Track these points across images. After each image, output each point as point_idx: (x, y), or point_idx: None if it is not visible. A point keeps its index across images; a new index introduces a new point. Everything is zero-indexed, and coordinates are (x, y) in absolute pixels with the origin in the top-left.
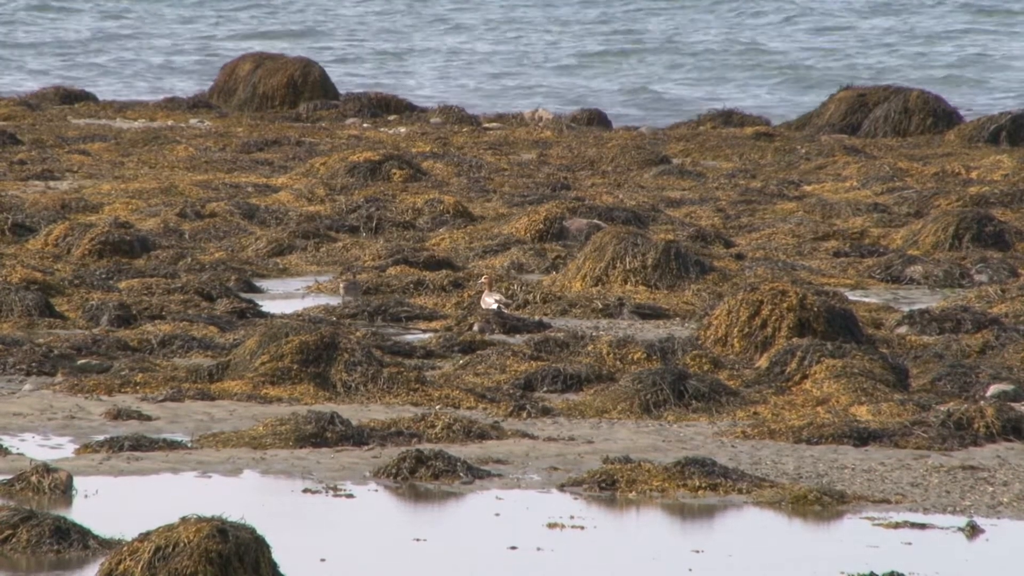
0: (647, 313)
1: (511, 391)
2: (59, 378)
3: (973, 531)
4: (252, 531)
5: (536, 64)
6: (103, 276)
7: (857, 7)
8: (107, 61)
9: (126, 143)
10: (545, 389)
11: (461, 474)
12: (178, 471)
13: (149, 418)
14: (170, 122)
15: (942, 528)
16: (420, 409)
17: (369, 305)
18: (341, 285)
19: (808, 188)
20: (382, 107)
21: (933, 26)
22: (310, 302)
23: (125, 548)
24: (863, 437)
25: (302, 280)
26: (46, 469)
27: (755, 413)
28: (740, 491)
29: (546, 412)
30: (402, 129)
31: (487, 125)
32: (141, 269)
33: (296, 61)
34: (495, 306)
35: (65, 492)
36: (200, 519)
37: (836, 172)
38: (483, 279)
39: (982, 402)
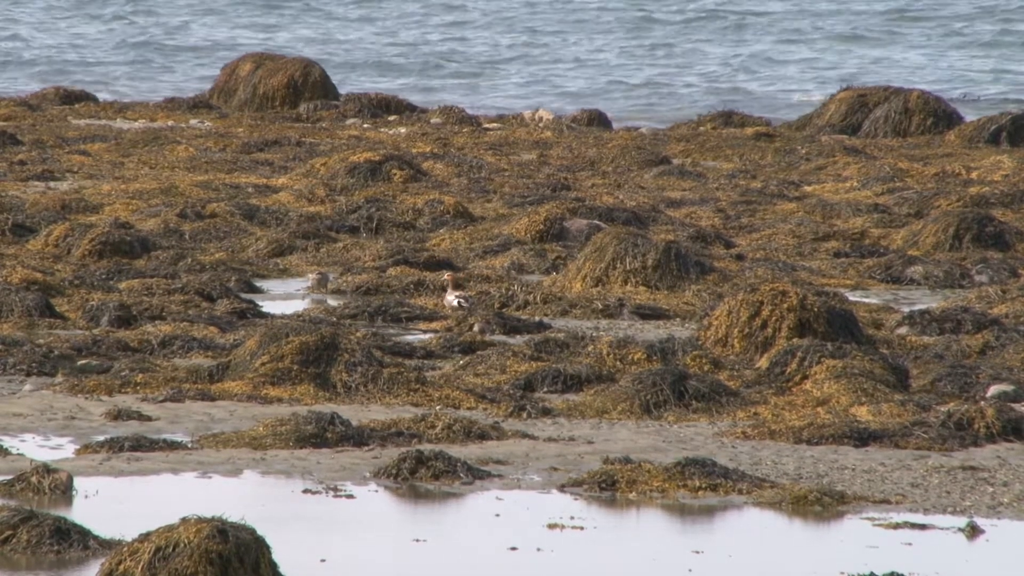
0: (647, 314)
1: (511, 391)
2: (59, 379)
3: (973, 531)
4: (252, 532)
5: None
6: (103, 276)
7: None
8: (107, 60)
9: (126, 143)
10: (545, 389)
11: (461, 475)
12: (178, 471)
13: (149, 418)
14: (170, 122)
15: (942, 528)
16: (420, 409)
17: (369, 305)
18: (313, 277)
19: (808, 189)
20: (382, 107)
21: None
22: (310, 302)
23: (125, 548)
24: (863, 437)
25: (302, 281)
26: (46, 469)
27: (755, 414)
28: (740, 492)
29: (546, 412)
30: (402, 129)
31: (487, 125)
32: (141, 269)
33: (296, 61)
34: (455, 302)
35: (65, 492)
36: (200, 519)
37: (836, 172)
38: (446, 277)
39: (982, 403)
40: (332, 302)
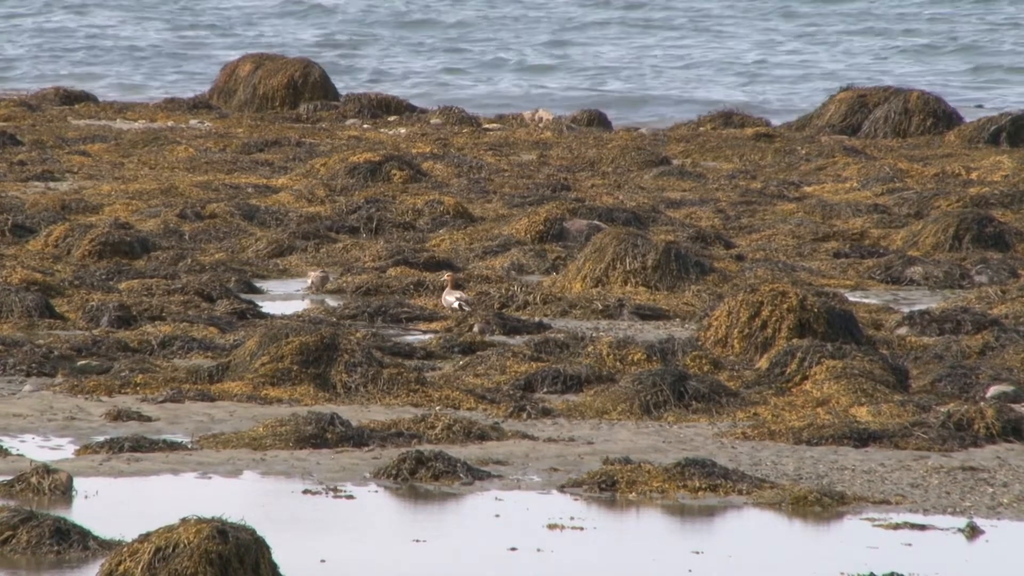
0: (647, 314)
1: (511, 392)
2: (59, 379)
3: (973, 532)
4: (252, 532)
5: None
6: (103, 277)
7: None
8: (106, 60)
9: (126, 144)
10: (545, 390)
11: (461, 475)
12: (178, 472)
13: (149, 419)
14: (170, 123)
15: (942, 529)
16: (420, 410)
17: (369, 306)
18: (315, 275)
19: (808, 189)
20: (382, 108)
21: None
22: (309, 302)
23: (125, 549)
24: (863, 438)
25: (302, 281)
26: (46, 470)
27: (755, 414)
28: (740, 492)
29: (546, 413)
30: (402, 130)
31: (487, 126)
32: (141, 270)
33: (296, 62)
34: (456, 304)
35: (65, 493)
36: (200, 520)
37: (836, 173)
38: (445, 277)
39: (982, 403)
40: (331, 302)
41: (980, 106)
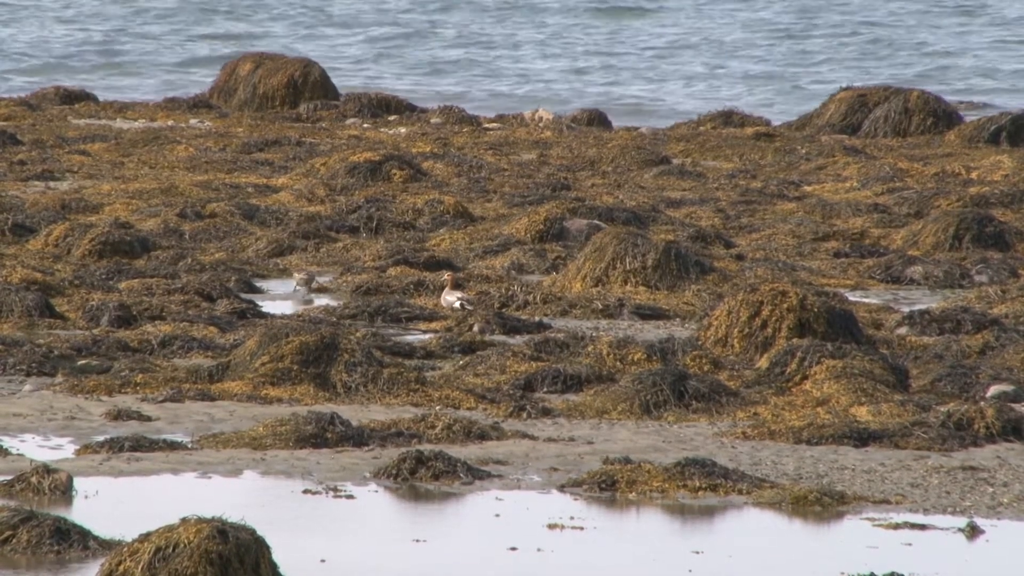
0: (647, 314)
1: (511, 392)
2: (59, 379)
3: (973, 532)
4: (252, 532)
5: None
6: (103, 276)
7: None
8: (106, 59)
9: (126, 143)
10: (545, 390)
11: (461, 475)
12: (178, 472)
13: (149, 419)
14: (170, 122)
15: (942, 529)
16: (420, 410)
17: (369, 305)
18: (300, 276)
19: (808, 188)
20: (382, 107)
21: None
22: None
23: (125, 549)
24: (863, 438)
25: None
26: (46, 470)
27: (755, 414)
28: (740, 492)
29: (546, 413)
30: (402, 129)
31: (487, 125)
32: (141, 269)
33: (296, 61)
34: (456, 304)
35: (65, 493)
36: (200, 520)
37: (836, 172)
38: (445, 276)
39: (982, 403)
40: (320, 301)
41: (983, 104)
